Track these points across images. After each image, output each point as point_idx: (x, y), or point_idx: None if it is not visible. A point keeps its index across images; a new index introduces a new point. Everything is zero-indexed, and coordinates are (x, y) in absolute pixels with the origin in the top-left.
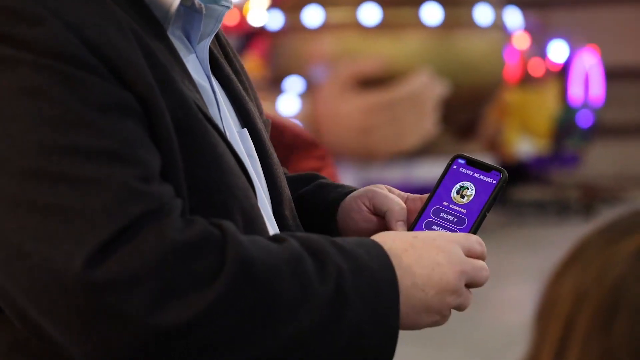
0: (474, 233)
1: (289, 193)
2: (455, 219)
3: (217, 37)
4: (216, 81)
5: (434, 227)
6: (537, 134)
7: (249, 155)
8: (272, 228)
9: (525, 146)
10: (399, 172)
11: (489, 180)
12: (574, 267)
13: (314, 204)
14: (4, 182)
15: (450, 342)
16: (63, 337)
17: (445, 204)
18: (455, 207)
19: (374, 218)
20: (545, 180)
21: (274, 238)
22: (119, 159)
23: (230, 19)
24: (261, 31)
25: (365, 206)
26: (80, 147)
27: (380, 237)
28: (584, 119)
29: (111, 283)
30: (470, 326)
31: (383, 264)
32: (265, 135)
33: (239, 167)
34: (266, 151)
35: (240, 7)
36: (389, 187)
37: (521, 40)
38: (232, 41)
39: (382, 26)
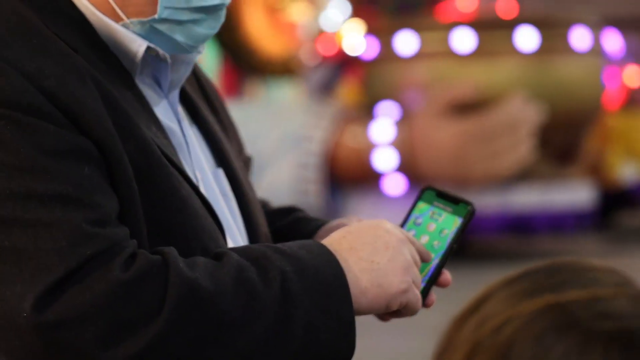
0: (443, 264)
1: (266, 230)
2: (424, 250)
3: (197, 77)
4: (193, 123)
5: None
6: None
7: (224, 195)
8: None
9: (629, 171)
10: (495, 199)
11: (457, 212)
12: (475, 316)
13: (289, 238)
14: None
15: None
16: None
17: (415, 236)
18: (424, 240)
19: None
20: None
21: (214, 255)
22: (72, 203)
23: (327, 49)
24: (355, 59)
25: None
26: (34, 192)
27: (321, 239)
28: None
29: (61, 322)
30: None
31: (326, 259)
32: (241, 174)
33: (206, 209)
34: (241, 189)
35: (335, 35)
36: (359, 218)
37: (631, 75)
38: (327, 69)
39: (476, 52)
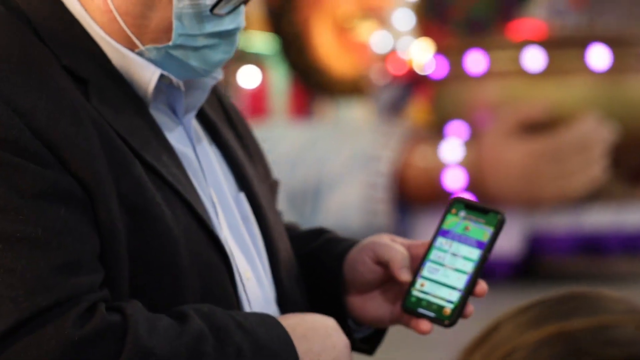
0: (478, 274)
1: (288, 254)
2: (457, 263)
3: (221, 102)
4: (214, 147)
5: (438, 271)
6: None
7: (245, 218)
8: (269, 289)
9: None
10: (567, 219)
11: (488, 222)
12: (484, 345)
13: (322, 259)
14: None
15: None
16: None
17: (447, 248)
18: (457, 251)
19: (378, 268)
20: None
21: (179, 315)
22: (40, 247)
23: (397, 68)
24: (425, 78)
25: (369, 257)
26: (3, 234)
27: (281, 318)
28: None
29: None
30: None
31: (283, 343)
32: (264, 198)
33: (212, 241)
34: (262, 214)
35: (405, 54)
36: (392, 236)
37: None
38: (396, 89)
39: (547, 71)
